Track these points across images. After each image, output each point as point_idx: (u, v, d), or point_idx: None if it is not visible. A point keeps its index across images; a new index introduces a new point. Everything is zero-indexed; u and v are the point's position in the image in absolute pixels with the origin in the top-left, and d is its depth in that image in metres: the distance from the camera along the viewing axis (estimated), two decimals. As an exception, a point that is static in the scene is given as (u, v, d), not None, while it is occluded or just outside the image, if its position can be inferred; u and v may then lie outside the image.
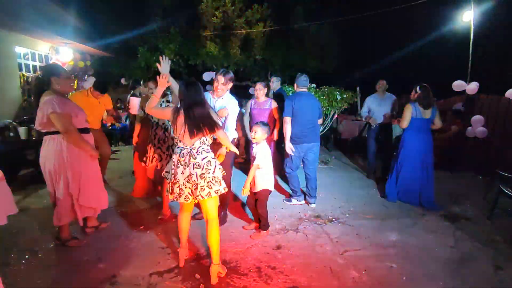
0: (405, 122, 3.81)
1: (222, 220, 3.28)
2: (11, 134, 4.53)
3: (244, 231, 3.15)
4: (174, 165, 2.27)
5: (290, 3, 9.16)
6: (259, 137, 2.91)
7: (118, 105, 8.48)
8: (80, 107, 2.75)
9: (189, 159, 2.21)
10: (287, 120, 3.71)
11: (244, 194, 2.90)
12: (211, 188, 2.22)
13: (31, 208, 3.59)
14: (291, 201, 3.99)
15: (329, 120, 6.01)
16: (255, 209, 3.07)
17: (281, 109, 4.35)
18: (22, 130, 4.47)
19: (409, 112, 3.76)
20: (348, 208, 3.79)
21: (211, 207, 2.32)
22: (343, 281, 2.38)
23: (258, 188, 2.96)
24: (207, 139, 2.29)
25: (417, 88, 3.77)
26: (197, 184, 2.19)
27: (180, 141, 2.27)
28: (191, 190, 2.23)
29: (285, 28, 8.84)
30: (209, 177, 2.20)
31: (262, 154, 2.88)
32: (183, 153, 2.23)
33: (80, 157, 2.64)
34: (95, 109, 3.99)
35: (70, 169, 2.58)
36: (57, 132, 2.54)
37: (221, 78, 3.00)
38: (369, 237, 3.08)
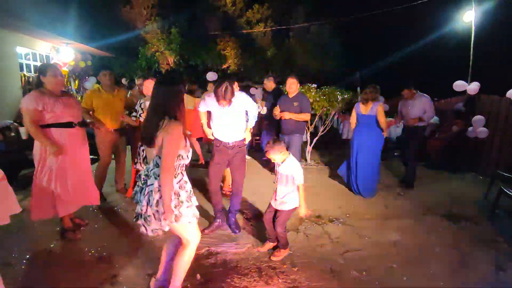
0: (353, 119, 4.28)
1: (234, 229, 3.13)
2: (12, 134, 4.54)
3: (244, 231, 3.14)
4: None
5: (291, 3, 9.18)
6: (279, 156, 2.56)
7: None
8: (64, 101, 2.70)
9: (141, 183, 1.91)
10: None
11: (305, 215, 2.65)
12: (158, 223, 1.80)
13: (32, 208, 3.59)
14: None
15: (329, 120, 6.00)
16: (272, 226, 2.69)
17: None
18: (23, 130, 4.48)
19: (353, 111, 4.26)
20: (348, 208, 3.79)
21: (181, 233, 1.92)
22: (343, 281, 2.38)
23: (287, 207, 2.61)
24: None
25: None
26: (145, 215, 1.82)
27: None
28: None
29: (286, 28, 8.85)
30: (151, 210, 1.80)
31: (299, 171, 2.56)
32: (140, 174, 1.94)
33: (66, 151, 2.69)
34: (110, 106, 3.57)
35: (52, 162, 2.64)
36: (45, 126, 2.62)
37: (224, 103, 2.72)
38: (369, 237, 3.08)
